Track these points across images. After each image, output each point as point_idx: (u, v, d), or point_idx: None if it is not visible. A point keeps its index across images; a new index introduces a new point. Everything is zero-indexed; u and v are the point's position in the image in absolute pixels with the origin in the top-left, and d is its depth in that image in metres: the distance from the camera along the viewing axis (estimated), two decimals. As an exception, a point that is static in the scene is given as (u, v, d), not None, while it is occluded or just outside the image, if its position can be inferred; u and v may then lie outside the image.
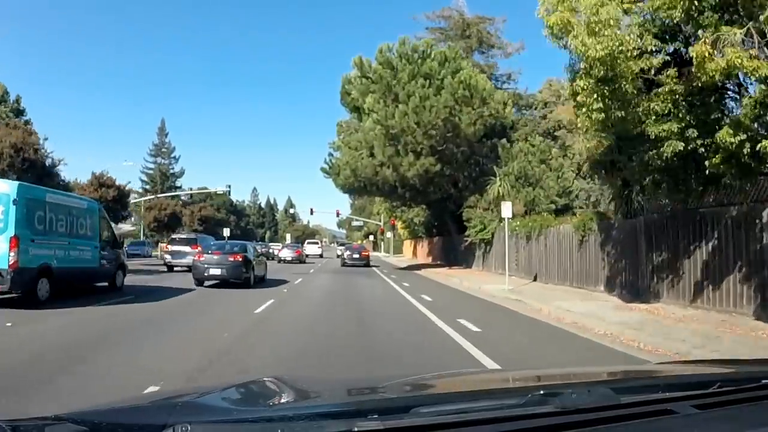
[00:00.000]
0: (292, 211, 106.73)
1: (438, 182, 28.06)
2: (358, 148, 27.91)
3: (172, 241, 25.40)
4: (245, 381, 1.90)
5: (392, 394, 1.91)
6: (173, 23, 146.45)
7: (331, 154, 31.54)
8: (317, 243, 57.40)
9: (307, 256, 43.16)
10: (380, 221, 64.91)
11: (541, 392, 1.45)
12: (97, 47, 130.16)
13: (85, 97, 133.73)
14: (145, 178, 77.90)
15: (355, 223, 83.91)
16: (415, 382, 2.16)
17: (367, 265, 33.40)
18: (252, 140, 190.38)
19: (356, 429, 1.18)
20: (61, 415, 1.27)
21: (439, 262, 36.99)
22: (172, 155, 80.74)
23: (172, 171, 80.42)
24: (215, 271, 16.39)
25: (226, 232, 46.50)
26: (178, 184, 77.43)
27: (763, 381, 1.59)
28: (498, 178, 26.71)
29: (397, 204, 40.04)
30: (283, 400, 1.68)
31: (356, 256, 34.21)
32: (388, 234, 58.69)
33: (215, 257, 16.82)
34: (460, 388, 2.10)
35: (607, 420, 1.32)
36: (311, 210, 69.67)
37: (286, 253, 38.78)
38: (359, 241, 73.21)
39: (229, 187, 49.11)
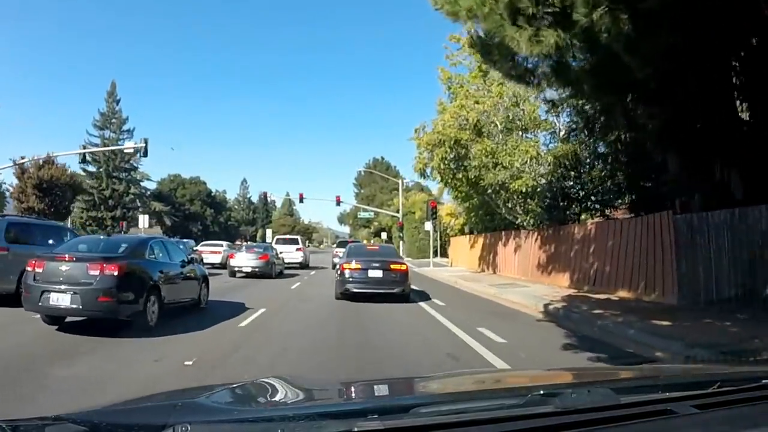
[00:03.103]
0: (272, 199, 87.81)
1: None
2: None
3: None
4: (245, 381, 1.90)
5: (392, 394, 1.92)
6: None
7: None
8: (296, 242, 31.33)
9: (285, 265, 25.40)
10: (398, 210, 46.51)
11: (541, 392, 1.45)
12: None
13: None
14: (87, 156, 58.94)
15: (362, 215, 61.46)
16: (415, 382, 2.17)
17: (404, 296, 13.57)
18: (246, 131, 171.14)
19: (356, 429, 1.18)
20: (61, 415, 1.27)
21: (672, 303, 11.04)
22: (124, 128, 60.88)
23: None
24: (61, 300, 7.75)
25: (144, 221, 34.39)
26: (131, 165, 60.89)
27: (763, 381, 1.59)
28: None
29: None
30: (283, 400, 1.69)
31: (377, 273, 13.63)
32: (427, 226, 33.48)
33: (63, 268, 7.99)
34: (460, 388, 2.11)
35: (607, 420, 1.32)
36: (300, 196, 49.41)
37: (244, 261, 21.68)
38: (367, 240, 50.74)
39: (146, 142, 29.31)
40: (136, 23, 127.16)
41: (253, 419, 1.33)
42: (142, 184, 63.05)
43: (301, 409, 1.47)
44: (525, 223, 20.07)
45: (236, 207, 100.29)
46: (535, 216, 19.25)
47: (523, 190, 18.55)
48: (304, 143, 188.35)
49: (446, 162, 21.05)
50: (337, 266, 14.71)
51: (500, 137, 19.74)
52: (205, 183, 79.60)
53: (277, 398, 1.69)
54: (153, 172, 69.63)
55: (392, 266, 13.68)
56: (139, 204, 61.17)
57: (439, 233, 33.70)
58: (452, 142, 20.52)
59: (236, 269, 21.45)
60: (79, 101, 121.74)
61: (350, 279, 13.32)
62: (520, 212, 20.11)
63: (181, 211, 69.87)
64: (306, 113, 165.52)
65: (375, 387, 2.06)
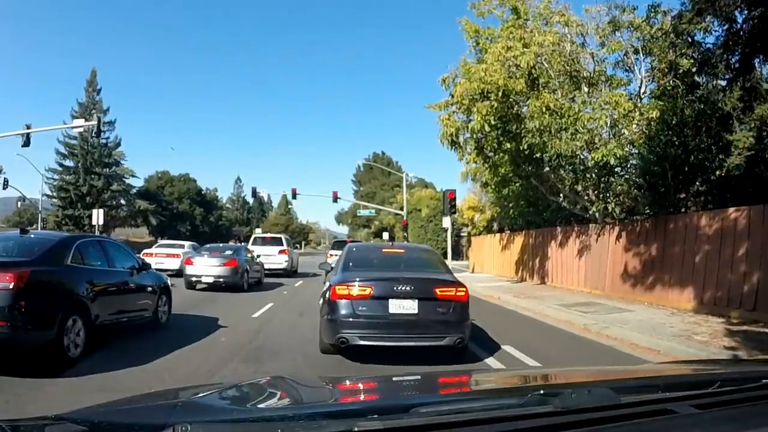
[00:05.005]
0: (262, 194, 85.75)
1: None
2: None
3: None
4: (245, 381, 1.91)
5: (392, 393, 1.92)
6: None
7: None
8: (279, 243, 25.11)
9: (265, 272, 20.09)
10: (402, 208, 41.74)
11: (541, 392, 1.45)
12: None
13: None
14: (64, 149, 54.14)
15: (361, 213, 55.51)
16: (415, 382, 2.17)
17: (461, 349, 6.57)
18: (241, 129, 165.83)
19: (356, 429, 1.18)
20: (61, 414, 1.27)
21: None
22: (105, 119, 54.39)
23: (103, 140, 55.11)
24: None
25: (98, 216, 30.57)
26: (114, 160, 56.35)
27: (763, 381, 1.59)
28: None
29: None
30: (283, 400, 1.69)
31: (407, 305, 6.38)
32: (446, 222, 26.92)
33: None
34: (460, 388, 2.11)
35: (607, 420, 1.32)
36: (293, 191, 40.19)
37: (203, 268, 16.15)
38: (368, 241, 45.00)
39: (99, 119, 27.80)
40: (131, 22, 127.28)
41: (253, 419, 1.33)
42: (126, 180, 58.70)
43: (301, 409, 1.47)
44: (598, 213, 14.59)
45: (230, 206, 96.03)
46: (628, 199, 13.68)
47: (611, 162, 12.98)
48: (301, 142, 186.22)
49: (491, 123, 14.29)
50: (326, 287, 7.17)
51: (562, 92, 14.43)
52: (194, 180, 75.38)
53: (277, 398, 1.69)
54: (143, 171, 64.54)
55: (439, 290, 6.64)
56: (123, 202, 57.86)
57: (448, 232, 28.64)
58: (499, 94, 13.97)
59: (194, 279, 16.06)
60: (70, 99, 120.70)
61: (349, 318, 6.41)
62: (593, 197, 14.67)
63: (168, 209, 66.24)
64: (303, 112, 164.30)
65: (375, 386, 2.06)
